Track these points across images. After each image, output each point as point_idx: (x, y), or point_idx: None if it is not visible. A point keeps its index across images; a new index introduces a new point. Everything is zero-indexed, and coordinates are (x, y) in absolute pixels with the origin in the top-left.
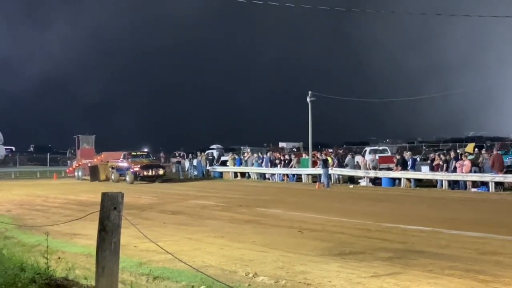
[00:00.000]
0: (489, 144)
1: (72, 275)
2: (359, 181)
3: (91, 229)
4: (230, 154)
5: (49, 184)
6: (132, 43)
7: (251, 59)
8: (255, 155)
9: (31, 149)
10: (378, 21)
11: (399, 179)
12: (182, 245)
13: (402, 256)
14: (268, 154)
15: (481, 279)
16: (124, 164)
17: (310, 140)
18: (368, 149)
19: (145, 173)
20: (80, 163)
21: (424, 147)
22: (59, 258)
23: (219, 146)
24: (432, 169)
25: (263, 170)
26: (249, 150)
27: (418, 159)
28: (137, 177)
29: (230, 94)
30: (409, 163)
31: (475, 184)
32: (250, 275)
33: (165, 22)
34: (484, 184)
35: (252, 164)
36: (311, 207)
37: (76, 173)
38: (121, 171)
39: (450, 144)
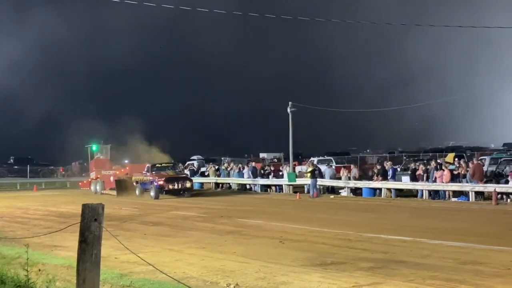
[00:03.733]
0: (469, 154)
1: (53, 287)
2: (339, 191)
3: (72, 241)
4: (210, 165)
5: (30, 196)
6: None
7: (230, 69)
8: (234, 165)
9: (11, 161)
10: (362, 33)
11: (380, 189)
12: (163, 256)
13: (383, 266)
14: (253, 164)
15: None
16: (148, 177)
17: (291, 151)
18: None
19: (170, 186)
20: (98, 176)
21: (404, 157)
22: (39, 270)
23: (200, 157)
24: (413, 179)
25: (244, 180)
26: (228, 160)
27: (398, 169)
28: (162, 191)
29: (209, 105)
30: (390, 173)
31: (455, 193)
32: (232, 286)
33: (130, 34)
34: (464, 193)
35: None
36: (292, 218)
37: (93, 187)
38: (144, 185)
39: (431, 154)
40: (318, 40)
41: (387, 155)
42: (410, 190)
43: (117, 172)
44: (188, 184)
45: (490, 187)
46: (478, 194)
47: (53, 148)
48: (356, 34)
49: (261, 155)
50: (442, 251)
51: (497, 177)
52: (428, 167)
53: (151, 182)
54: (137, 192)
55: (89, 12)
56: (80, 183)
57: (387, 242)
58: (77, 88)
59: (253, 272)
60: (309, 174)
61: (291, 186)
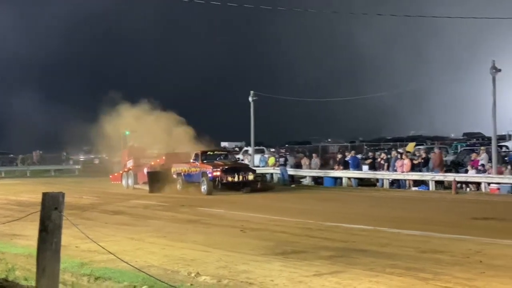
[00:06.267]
0: (429, 143)
1: (12, 276)
2: (300, 180)
3: (32, 230)
4: None
5: None
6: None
7: (191, 57)
8: None
9: None
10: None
11: (341, 178)
12: (124, 245)
13: (344, 254)
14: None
15: (421, 277)
16: (196, 167)
17: (253, 140)
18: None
19: (229, 178)
20: (132, 167)
21: (365, 147)
22: None
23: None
24: (373, 168)
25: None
26: None
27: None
28: (217, 184)
29: (170, 93)
30: (350, 162)
31: (415, 183)
32: (193, 275)
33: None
34: (425, 183)
35: None
36: (253, 207)
37: (124, 180)
38: (190, 177)
39: (391, 143)
40: (275, 30)
41: (348, 144)
42: (370, 179)
43: (152, 163)
44: (250, 176)
45: (449, 177)
46: (438, 183)
47: (13, 136)
48: (315, 24)
49: (222, 143)
50: (402, 239)
51: (457, 166)
52: (388, 156)
53: (202, 174)
54: (178, 186)
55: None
56: (110, 176)
57: (347, 231)
58: (31, 76)
59: (214, 261)
60: (273, 162)
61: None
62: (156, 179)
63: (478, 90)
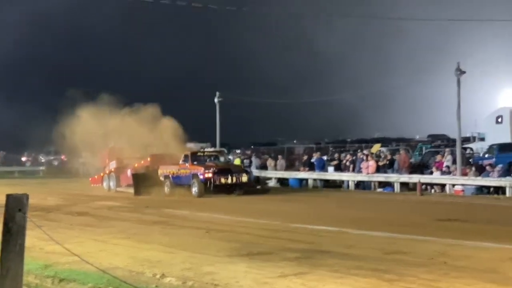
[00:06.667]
0: (394, 145)
1: None
2: (266, 181)
3: None
4: None
5: None
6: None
7: (156, 55)
8: None
9: None
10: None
11: (306, 180)
12: (88, 247)
13: (309, 256)
14: None
15: (387, 278)
16: (186, 169)
17: (218, 141)
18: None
19: (222, 180)
20: (114, 169)
21: (331, 148)
22: None
23: None
24: (338, 169)
25: None
26: None
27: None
28: (208, 186)
29: (134, 93)
30: (316, 163)
31: (381, 184)
32: (158, 276)
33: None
34: (390, 184)
35: None
36: (219, 208)
37: (105, 183)
38: (179, 180)
39: (357, 145)
40: (241, 31)
41: (314, 145)
42: (336, 181)
43: (136, 165)
44: (244, 178)
45: (414, 178)
46: (403, 184)
47: None
48: (280, 26)
49: (188, 144)
50: (367, 241)
51: (422, 167)
52: (354, 157)
53: (193, 176)
54: (166, 189)
55: None
56: (90, 179)
57: (313, 232)
58: None
59: (179, 263)
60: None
61: None
62: (142, 181)
63: (443, 92)
